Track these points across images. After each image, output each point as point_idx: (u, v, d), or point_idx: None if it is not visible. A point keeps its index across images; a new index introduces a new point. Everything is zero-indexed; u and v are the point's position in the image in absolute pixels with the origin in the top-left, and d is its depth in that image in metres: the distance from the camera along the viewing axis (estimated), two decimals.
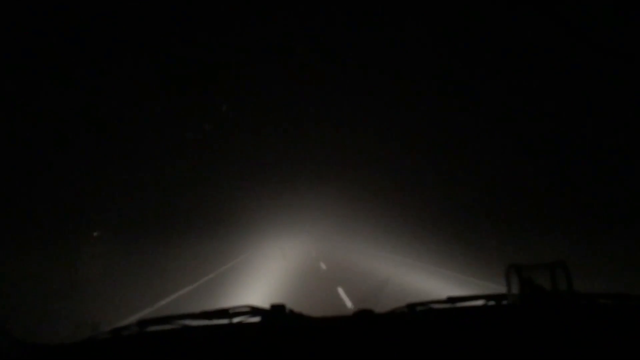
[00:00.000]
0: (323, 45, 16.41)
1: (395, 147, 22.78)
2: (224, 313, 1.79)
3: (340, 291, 11.20)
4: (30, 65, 9.45)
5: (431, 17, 13.09)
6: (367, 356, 1.41)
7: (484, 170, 15.76)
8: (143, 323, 1.73)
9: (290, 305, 1.85)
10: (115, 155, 14.00)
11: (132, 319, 8.92)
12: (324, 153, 37.02)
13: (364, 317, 1.80)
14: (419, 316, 1.90)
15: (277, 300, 1.91)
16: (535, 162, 13.43)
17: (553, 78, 11.59)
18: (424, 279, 13.54)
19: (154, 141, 16.54)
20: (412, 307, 1.91)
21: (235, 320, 1.78)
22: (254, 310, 1.81)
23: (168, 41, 12.97)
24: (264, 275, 15.18)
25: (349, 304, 9.44)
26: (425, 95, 17.19)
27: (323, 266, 19.01)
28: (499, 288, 1.96)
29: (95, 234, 13.37)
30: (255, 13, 13.26)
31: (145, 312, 9.19)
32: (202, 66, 15.61)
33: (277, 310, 1.80)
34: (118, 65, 11.91)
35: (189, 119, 19.15)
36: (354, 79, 19.76)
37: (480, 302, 1.98)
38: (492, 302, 1.97)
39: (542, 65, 11.65)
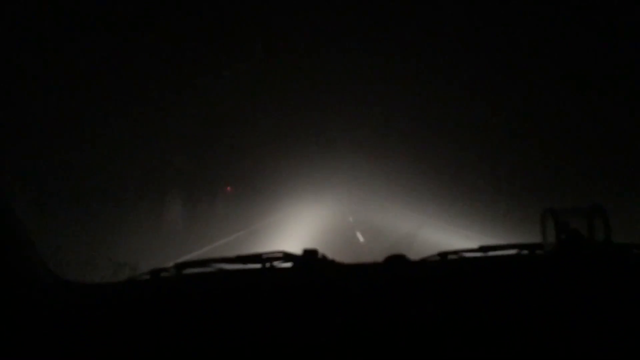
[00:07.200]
0: None
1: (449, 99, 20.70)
2: (258, 258, 1.83)
3: None
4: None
5: None
6: (397, 300, 1.42)
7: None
8: (180, 265, 1.79)
9: (323, 252, 1.87)
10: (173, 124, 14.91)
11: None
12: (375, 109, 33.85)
13: (395, 263, 1.80)
14: (451, 264, 1.89)
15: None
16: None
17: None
18: None
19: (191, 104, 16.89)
20: (443, 255, 1.91)
21: (269, 265, 1.82)
22: (286, 256, 1.84)
23: None
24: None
25: None
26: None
27: (361, 238, 15.85)
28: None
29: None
30: None
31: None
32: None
33: (310, 255, 1.82)
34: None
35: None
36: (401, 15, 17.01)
37: (513, 252, 1.95)
38: (525, 252, 1.94)
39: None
